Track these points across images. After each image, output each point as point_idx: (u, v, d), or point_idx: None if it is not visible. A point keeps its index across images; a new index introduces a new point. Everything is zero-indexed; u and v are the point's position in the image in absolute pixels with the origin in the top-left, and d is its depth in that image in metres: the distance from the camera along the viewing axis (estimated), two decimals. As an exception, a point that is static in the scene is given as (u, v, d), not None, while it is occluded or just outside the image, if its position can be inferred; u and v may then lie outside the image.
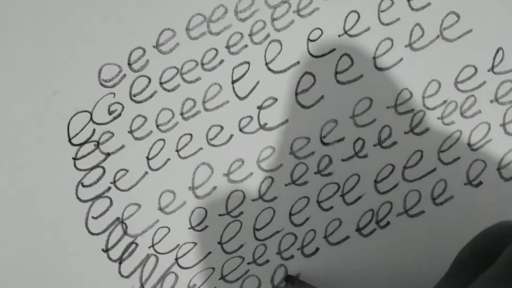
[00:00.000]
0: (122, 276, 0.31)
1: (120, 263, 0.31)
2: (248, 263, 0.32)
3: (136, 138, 0.31)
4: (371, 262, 0.32)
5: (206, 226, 0.31)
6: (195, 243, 0.31)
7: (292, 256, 0.32)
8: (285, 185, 0.32)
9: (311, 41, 0.31)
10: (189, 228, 0.31)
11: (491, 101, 0.32)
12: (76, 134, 0.30)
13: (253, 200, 0.31)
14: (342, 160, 0.32)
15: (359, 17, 0.31)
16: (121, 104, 0.30)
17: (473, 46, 0.32)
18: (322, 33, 0.31)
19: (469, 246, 0.23)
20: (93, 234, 0.30)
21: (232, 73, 0.31)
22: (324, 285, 0.32)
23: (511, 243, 0.20)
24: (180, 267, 0.31)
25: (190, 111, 0.31)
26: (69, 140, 0.30)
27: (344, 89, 0.31)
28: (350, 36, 0.31)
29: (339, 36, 0.31)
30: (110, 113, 0.30)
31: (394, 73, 0.31)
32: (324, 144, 0.32)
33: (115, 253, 0.31)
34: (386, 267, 0.32)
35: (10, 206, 0.30)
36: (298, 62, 0.31)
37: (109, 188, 0.31)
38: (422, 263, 0.32)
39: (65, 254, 0.30)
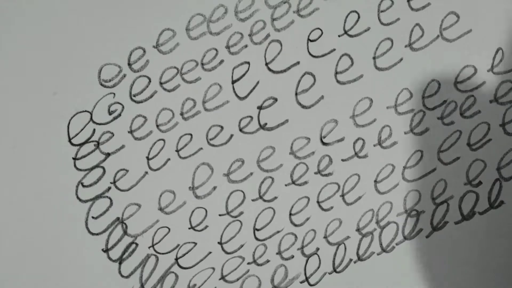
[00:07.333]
0: (122, 276, 0.31)
1: (120, 263, 0.31)
2: (248, 263, 0.32)
3: (136, 138, 0.31)
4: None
5: (206, 226, 0.31)
6: (195, 243, 0.31)
7: (292, 256, 0.32)
8: (285, 185, 0.32)
9: (311, 41, 0.31)
10: (189, 228, 0.31)
11: (491, 101, 0.32)
12: (76, 134, 0.30)
13: (253, 200, 0.31)
14: (342, 160, 0.32)
15: (359, 17, 0.31)
16: (121, 104, 0.30)
17: (473, 46, 0.32)
18: (322, 33, 0.31)
19: None
20: (93, 234, 0.30)
21: (232, 73, 0.31)
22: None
23: None
24: (180, 267, 0.31)
25: (190, 111, 0.31)
26: (69, 140, 0.30)
27: (344, 89, 0.31)
28: (350, 36, 0.31)
29: (339, 36, 0.31)
30: (110, 113, 0.30)
31: (394, 73, 0.31)
32: (324, 144, 0.32)
33: (115, 253, 0.31)
34: (388, 267, 0.32)
35: (10, 206, 0.30)
36: (298, 62, 0.31)
37: (109, 188, 0.31)
38: (422, 262, 0.32)
39: (65, 254, 0.30)
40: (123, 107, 0.30)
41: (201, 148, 0.31)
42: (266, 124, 0.31)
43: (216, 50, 0.31)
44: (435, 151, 0.32)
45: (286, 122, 0.31)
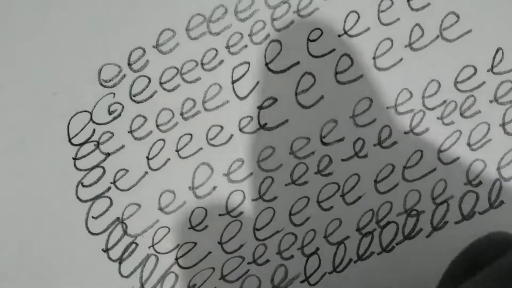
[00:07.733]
0: (122, 276, 0.31)
1: (120, 263, 0.31)
2: (248, 263, 0.32)
3: (136, 138, 0.31)
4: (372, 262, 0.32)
5: (206, 226, 0.31)
6: (195, 243, 0.31)
7: (292, 256, 0.32)
8: (285, 185, 0.32)
9: (311, 41, 0.31)
10: (189, 228, 0.31)
11: (491, 101, 0.32)
12: (76, 134, 0.30)
13: (253, 200, 0.31)
14: (342, 160, 0.32)
15: (359, 17, 0.31)
16: (121, 104, 0.30)
17: (473, 46, 0.32)
18: (322, 33, 0.31)
19: (460, 258, 0.24)
20: (93, 234, 0.30)
21: (232, 73, 0.31)
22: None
23: (501, 253, 0.20)
24: (180, 267, 0.31)
25: (190, 111, 0.31)
26: (69, 140, 0.30)
27: (344, 89, 0.31)
28: (350, 36, 0.31)
29: (339, 36, 0.31)
30: (110, 113, 0.30)
31: (394, 73, 0.31)
32: (324, 144, 0.32)
33: (115, 253, 0.31)
34: (388, 267, 0.32)
35: (10, 206, 0.30)
36: (298, 62, 0.31)
37: (109, 188, 0.31)
38: (422, 262, 0.32)
39: (65, 254, 0.30)
40: (123, 107, 0.30)
41: (201, 148, 0.31)
42: (266, 124, 0.31)
43: (216, 50, 0.31)
44: (435, 151, 0.32)
45: (286, 122, 0.31)
